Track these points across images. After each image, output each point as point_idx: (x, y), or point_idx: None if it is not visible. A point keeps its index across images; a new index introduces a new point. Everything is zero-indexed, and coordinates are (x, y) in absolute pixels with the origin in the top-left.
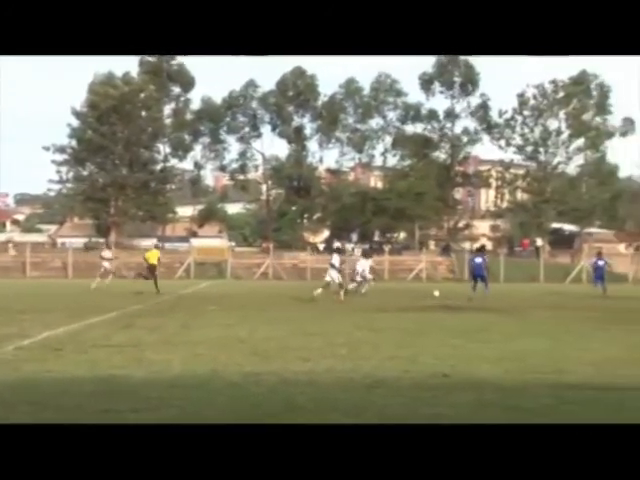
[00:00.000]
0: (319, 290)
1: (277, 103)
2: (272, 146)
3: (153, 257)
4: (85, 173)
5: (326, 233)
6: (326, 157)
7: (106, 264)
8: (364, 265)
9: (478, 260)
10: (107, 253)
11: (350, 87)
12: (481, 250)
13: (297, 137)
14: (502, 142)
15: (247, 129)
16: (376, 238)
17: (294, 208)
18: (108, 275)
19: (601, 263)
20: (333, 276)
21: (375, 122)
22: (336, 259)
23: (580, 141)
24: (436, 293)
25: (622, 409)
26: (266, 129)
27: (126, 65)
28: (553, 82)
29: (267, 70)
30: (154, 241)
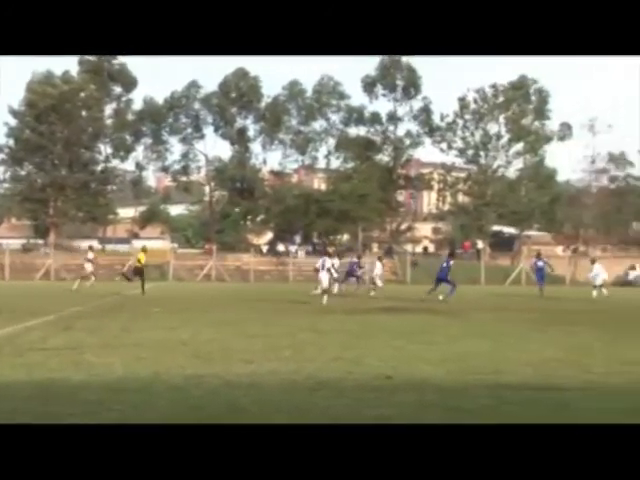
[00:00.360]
0: (325, 296)
1: (220, 104)
2: (215, 147)
3: (142, 258)
4: (23, 173)
5: (269, 235)
6: (269, 159)
7: (88, 266)
8: (380, 269)
9: (443, 265)
10: (90, 255)
11: (293, 89)
12: (451, 255)
13: (240, 138)
14: (444, 145)
15: (189, 130)
16: (315, 240)
17: (237, 210)
18: (89, 278)
19: (540, 264)
20: (323, 279)
21: (318, 124)
22: (329, 262)
23: (519, 145)
24: (441, 297)
25: (560, 409)
26: (209, 130)
27: (66, 64)
28: (493, 86)
29: (209, 71)
30: (141, 243)
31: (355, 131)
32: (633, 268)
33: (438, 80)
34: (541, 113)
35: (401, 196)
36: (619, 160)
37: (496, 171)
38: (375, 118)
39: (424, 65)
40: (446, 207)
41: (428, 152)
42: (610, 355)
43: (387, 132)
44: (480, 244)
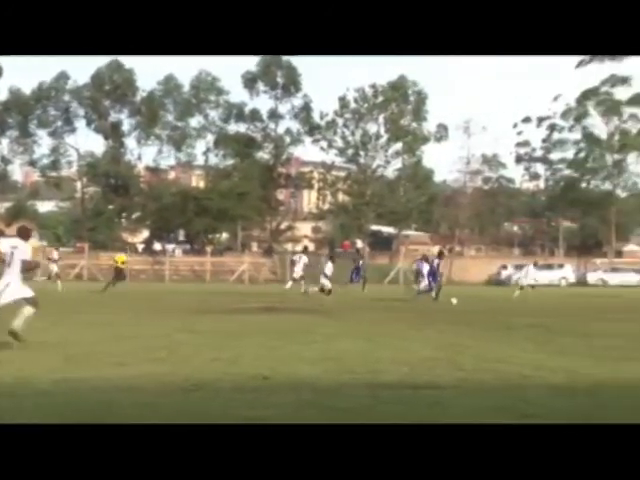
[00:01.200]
0: (315, 289)
1: (92, 97)
2: (87, 142)
3: (122, 259)
4: None
5: (146, 233)
6: (145, 155)
7: (53, 267)
8: (426, 269)
9: (434, 264)
10: (55, 255)
11: (169, 84)
12: (440, 255)
13: (114, 133)
14: (324, 144)
15: (59, 123)
16: (181, 238)
17: (111, 207)
18: (57, 278)
19: (420, 265)
20: (325, 283)
21: (196, 120)
22: (329, 268)
23: (398, 145)
24: (454, 301)
25: (435, 407)
26: (81, 124)
27: None
28: (373, 86)
29: (80, 62)
30: None
31: (235, 128)
32: (505, 267)
33: (318, 79)
34: (418, 114)
35: (281, 195)
36: (492, 162)
37: (375, 171)
38: (255, 115)
39: (304, 63)
40: (326, 206)
41: (308, 151)
42: (480, 353)
43: (268, 129)
44: (359, 243)
